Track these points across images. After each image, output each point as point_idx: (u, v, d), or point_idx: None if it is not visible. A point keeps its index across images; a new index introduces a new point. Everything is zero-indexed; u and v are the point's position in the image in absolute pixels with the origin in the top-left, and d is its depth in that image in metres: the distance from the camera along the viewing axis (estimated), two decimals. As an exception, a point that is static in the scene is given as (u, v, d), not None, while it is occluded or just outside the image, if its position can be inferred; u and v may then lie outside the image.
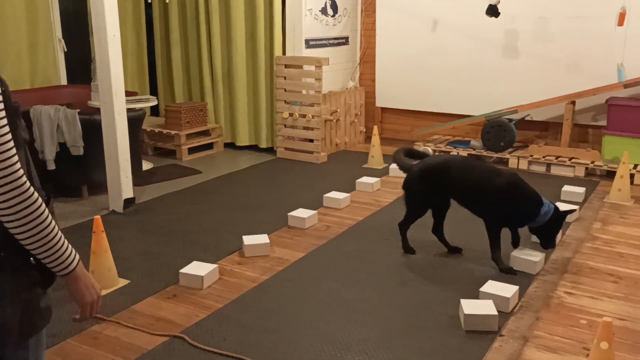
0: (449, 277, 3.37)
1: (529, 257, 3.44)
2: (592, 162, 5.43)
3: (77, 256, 1.46)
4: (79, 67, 6.31)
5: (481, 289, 3.06)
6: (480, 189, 3.41)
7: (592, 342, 2.62)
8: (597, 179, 5.36)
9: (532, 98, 5.88)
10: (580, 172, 5.44)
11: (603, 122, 5.67)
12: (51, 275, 1.50)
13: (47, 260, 1.40)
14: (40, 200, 1.35)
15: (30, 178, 1.46)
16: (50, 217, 1.38)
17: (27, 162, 1.46)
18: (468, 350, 2.65)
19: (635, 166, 5.27)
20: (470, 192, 3.46)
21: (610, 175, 5.31)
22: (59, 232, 1.41)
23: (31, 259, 1.45)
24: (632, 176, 5.15)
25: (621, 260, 3.60)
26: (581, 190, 4.74)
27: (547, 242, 3.46)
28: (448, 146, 6.08)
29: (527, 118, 5.98)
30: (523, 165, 5.68)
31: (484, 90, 6.21)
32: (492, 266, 3.49)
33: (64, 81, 6.02)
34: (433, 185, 3.53)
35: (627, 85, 5.25)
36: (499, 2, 5.60)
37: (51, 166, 4.55)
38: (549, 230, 3.41)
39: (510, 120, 5.80)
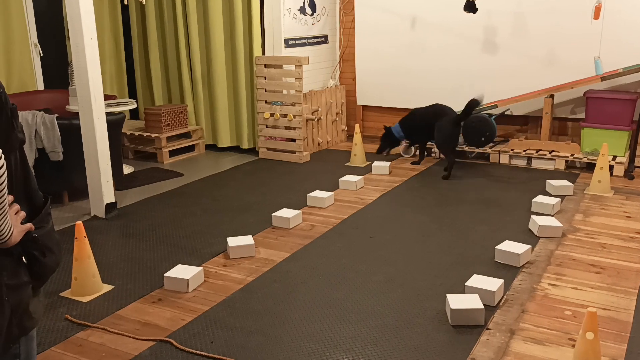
0: (435, 273, 3.38)
1: (513, 250, 3.47)
2: (572, 155, 5.48)
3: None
4: (55, 71, 6.21)
5: (467, 284, 3.08)
6: None
7: (577, 333, 2.66)
8: (577, 171, 5.42)
9: (511, 93, 5.93)
10: (561, 165, 5.49)
11: (582, 115, 5.74)
12: (42, 276, 1.52)
13: None
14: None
15: (26, 178, 1.52)
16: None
17: (23, 162, 1.50)
18: (456, 344, 2.66)
19: (614, 157, 5.33)
20: None
21: (590, 167, 5.37)
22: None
23: (23, 258, 1.46)
24: (611, 168, 5.21)
25: (603, 250, 3.64)
26: (569, 183, 4.77)
27: None
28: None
29: (507, 113, 6.03)
30: (504, 159, 5.72)
31: (463, 86, 6.25)
32: (477, 261, 3.51)
33: (40, 86, 5.93)
34: None
35: (604, 78, 5.31)
36: (477, -2, 5.63)
37: (30, 173, 4.47)
38: None
39: (491, 115, 5.84)
